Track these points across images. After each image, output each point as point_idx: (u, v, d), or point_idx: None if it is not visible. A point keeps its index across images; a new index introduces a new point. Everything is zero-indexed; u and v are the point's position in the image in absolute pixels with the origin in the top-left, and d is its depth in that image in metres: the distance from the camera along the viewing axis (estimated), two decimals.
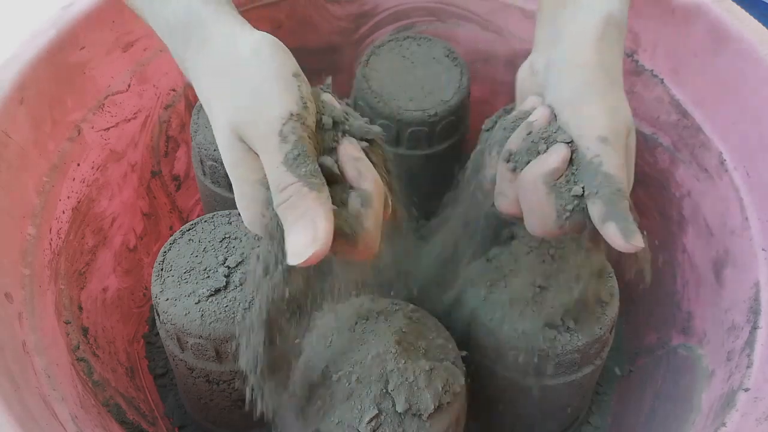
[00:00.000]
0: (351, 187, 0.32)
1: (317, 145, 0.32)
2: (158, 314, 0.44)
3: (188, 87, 0.61)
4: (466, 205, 0.47)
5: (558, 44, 0.37)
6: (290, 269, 0.31)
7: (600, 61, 0.35)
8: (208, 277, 0.44)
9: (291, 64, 0.33)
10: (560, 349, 0.42)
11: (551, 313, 0.42)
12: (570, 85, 0.35)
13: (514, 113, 0.39)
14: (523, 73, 0.41)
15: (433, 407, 0.37)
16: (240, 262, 0.44)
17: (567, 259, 0.45)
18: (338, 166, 0.32)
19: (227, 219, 0.47)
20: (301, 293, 0.33)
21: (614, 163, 0.33)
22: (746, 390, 0.39)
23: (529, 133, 0.35)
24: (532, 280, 0.44)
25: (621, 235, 0.32)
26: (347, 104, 0.36)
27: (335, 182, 0.32)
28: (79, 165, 0.50)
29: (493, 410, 0.48)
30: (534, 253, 0.45)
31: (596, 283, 0.44)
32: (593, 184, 0.32)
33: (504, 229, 0.49)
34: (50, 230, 0.47)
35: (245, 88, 0.32)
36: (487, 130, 0.54)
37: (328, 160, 0.31)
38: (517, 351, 0.42)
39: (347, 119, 0.34)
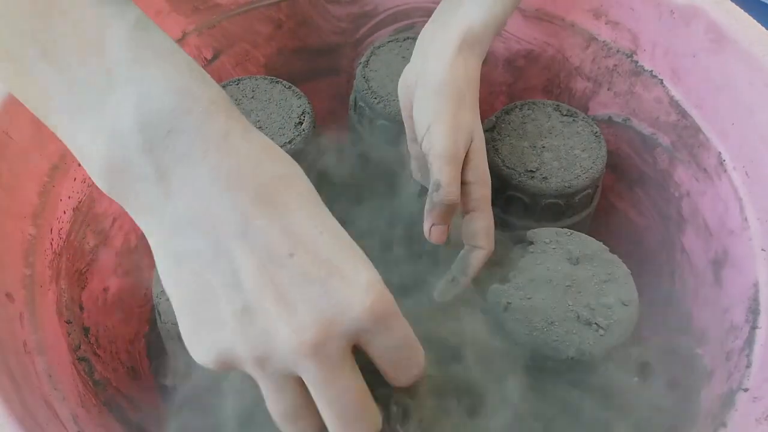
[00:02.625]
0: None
1: None
2: (159, 314, 0.44)
3: None
4: None
5: (422, 62, 0.42)
6: None
7: (452, 82, 0.40)
8: None
9: None
10: (588, 356, 0.41)
11: (583, 315, 0.42)
12: (424, 108, 0.41)
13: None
14: (402, 83, 0.45)
15: None
16: None
17: (592, 259, 0.45)
18: None
19: None
20: None
21: (446, 180, 0.39)
22: (745, 390, 0.39)
23: None
24: (559, 283, 0.43)
25: (427, 233, 0.41)
26: None
27: None
28: (80, 165, 0.50)
29: (515, 420, 0.47)
30: (556, 254, 0.45)
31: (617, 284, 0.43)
32: (432, 194, 0.40)
33: (516, 233, 0.49)
34: (51, 230, 0.47)
35: None
36: (487, 131, 0.54)
37: None
38: (544, 359, 0.41)
39: None
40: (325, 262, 0.25)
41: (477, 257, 0.42)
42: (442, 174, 0.39)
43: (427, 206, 0.41)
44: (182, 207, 0.24)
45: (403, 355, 0.26)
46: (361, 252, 0.26)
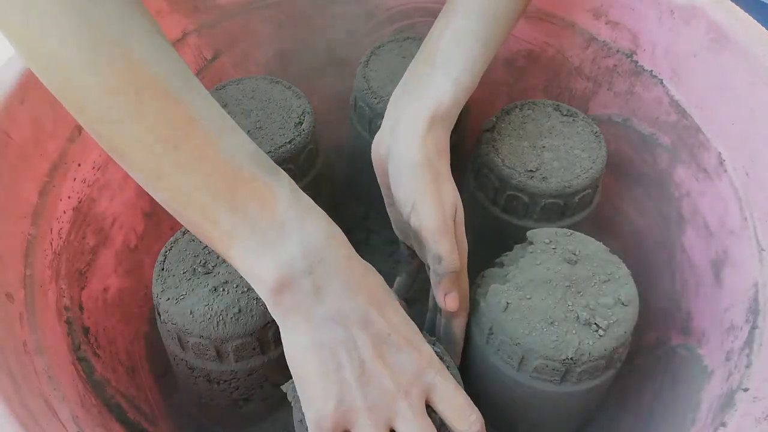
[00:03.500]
0: None
1: None
2: (159, 314, 0.44)
3: None
4: (470, 209, 0.47)
5: (393, 137, 0.44)
6: None
7: (426, 162, 0.42)
8: (210, 276, 0.44)
9: None
10: (587, 356, 0.41)
11: (582, 315, 0.42)
12: (404, 187, 0.43)
13: None
14: (375, 150, 0.46)
15: None
16: None
17: (592, 259, 0.45)
18: None
19: None
20: None
21: (445, 251, 0.42)
22: (745, 390, 0.39)
23: None
24: (559, 283, 0.43)
25: (442, 303, 0.44)
26: None
27: None
28: (80, 165, 0.50)
29: (513, 418, 0.48)
30: (556, 254, 0.45)
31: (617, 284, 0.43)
32: (436, 267, 0.43)
33: (516, 234, 0.49)
34: (51, 230, 0.47)
35: None
36: (487, 131, 0.54)
37: None
38: (543, 359, 0.41)
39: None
40: (406, 339, 0.37)
41: (458, 325, 0.46)
42: (440, 247, 0.42)
43: (433, 279, 0.44)
44: (325, 309, 0.35)
45: (459, 401, 0.37)
46: (418, 330, 0.39)
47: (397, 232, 0.50)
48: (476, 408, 0.38)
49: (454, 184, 0.44)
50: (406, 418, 0.35)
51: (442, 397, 0.37)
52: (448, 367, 0.40)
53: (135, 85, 0.32)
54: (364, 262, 0.38)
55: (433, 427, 0.36)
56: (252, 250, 0.34)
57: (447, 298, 0.43)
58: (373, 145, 0.46)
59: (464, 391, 0.38)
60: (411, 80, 0.46)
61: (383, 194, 0.48)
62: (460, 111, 0.45)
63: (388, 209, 0.49)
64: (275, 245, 0.34)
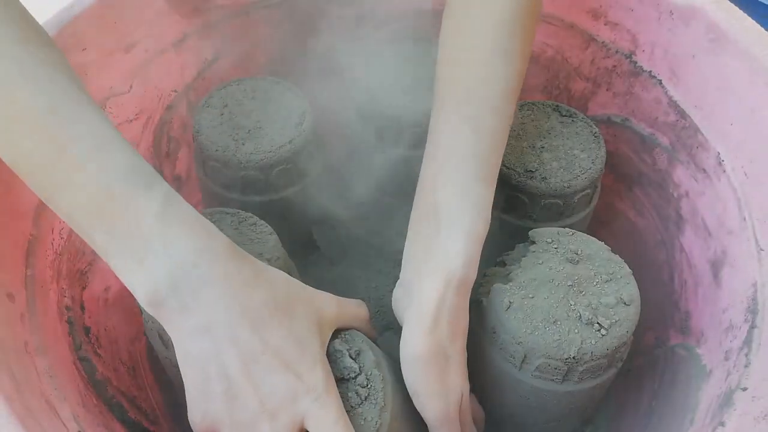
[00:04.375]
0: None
1: None
2: (141, 311, 0.44)
3: (190, 89, 0.61)
4: None
5: (407, 309, 0.41)
6: None
7: (431, 353, 0.40)
8: None
9: None
10: (590, 355, 0.41)
11: (585, 315, 0.42)
12: (407, 375, 0.40)
13: None
14: (395, 301, 0.44)
15: None
16: None
17: (594, 258, 0.45)
18: None
19: (229, 219, 0.47)
20: None
21: None
22: (744, 389, 0.39)
23: None
24: (561, 282, 0.43)
25: None
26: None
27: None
28: None
29: (514, 416, 0.48)
30: (558, 254, 0.45)
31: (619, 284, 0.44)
32: None
33: (516, 234, 0.49)
34: (52, 230, 0.47)
35: None
36: None
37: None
38: (545, 358, 0.41)
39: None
40: (284, 362, 0.36)
41: None
42: None
43: None
44: (193, 322, 0.35)
45: None
46: (319, 356, 0.37)
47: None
48: None
49: (465, 369, 0.42)
50: None
51: (318, 428, 0.35)
52: (373, 401, 0.39)
53: (4, 113, 0.34)
54: (261, 280, 0.37)
55: None
56: (124, 267, 0.35)
57: None
58: (393, 296, 0.44)
59: (350, 425, 0.36)
60: (417, 241, 0.43)
61: None
62: (472, 281, 0.41)
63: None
64: (143, 262, 0.35)
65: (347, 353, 0.40)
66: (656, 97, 0.54)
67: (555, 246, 0.45)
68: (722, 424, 0.37)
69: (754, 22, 0.47)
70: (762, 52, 0.45)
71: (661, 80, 0.54)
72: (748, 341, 0.42)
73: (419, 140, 0.56)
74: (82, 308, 0.49)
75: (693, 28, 0.50)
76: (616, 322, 0.42)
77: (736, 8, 0.48)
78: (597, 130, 0.54)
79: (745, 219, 0.46)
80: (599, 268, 0.44)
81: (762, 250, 0.44)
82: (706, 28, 0.49)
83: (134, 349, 0.55)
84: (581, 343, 0.41)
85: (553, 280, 0.43)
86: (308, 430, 0.36)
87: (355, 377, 0.39)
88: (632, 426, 0.53)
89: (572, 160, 0.52)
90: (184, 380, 0.36)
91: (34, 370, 0.39)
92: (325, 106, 0.62)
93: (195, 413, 0.36)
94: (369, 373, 0.40)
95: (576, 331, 0.41)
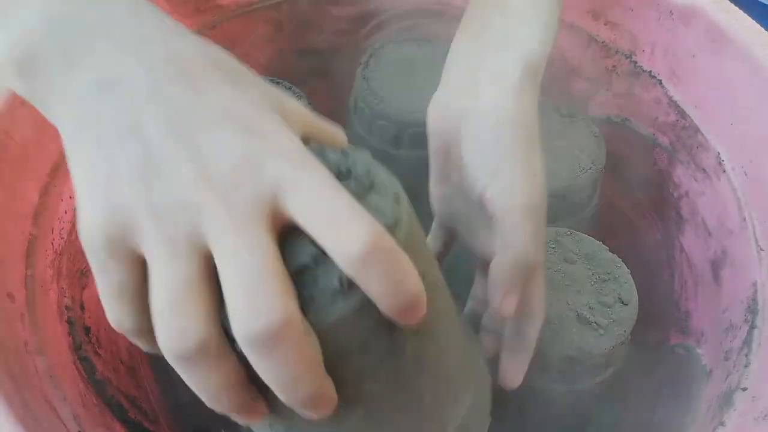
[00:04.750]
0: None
1: None
2: None
3: None
4: None
5: (474, 93, 0.34)
6: None
7: (521, 120, 0.33)
8: None
9: None
10: (587, 354, 0.41)
11: (583, 314, 0.42)
12: (485, 151, 0.33)
13: None
14: (436, 113, 0.37)
15: None
16: None
17: (592, 258, 0.45)
18: None
19: None
20: None
21: (526, 235, 0.32)
22: (744, 389, 0.39)
23: None
24: (559, 282, 0.43)
25: (498, 307, 0.34)
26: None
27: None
28: None
29: (512, 416, 0.48)
30: (556, 253, 0.45)
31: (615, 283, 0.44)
32: (504, 257, 0.33)
33: None
34: (52, 230, 0.47)
35: None
36: None
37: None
38: (543, 357, 0.41)
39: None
40: (238, 120, 0.22)
41: (534, 326, 0.35)
42: (519, 232, 0.32)
43: (494, 274, 0.33)
44: (87, 77, 0.23)
45: (330, 205, 0.21)
46: (285, 125, 0.24)
47: (439, 214, 0.39)
48: (367, 215, 0.21)
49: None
50: (219, 229, 0.21)
51: (302, 203, 0.21)
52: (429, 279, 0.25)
53: None
54: (193, 36, 0.26)
55: (268, 248, 0.21)
56: None
57: (508, 300, 0.33)
58: (429, 110, 0.37)
59: (347, 194, 0.22)
60: (481, 30, 0.36)
61: (432, 170, 0.38)
62: (542, 72, 0.36)
63: (435, 187, 0.38)
64: (9, 16, 0.24)
65: (329, 150, 0.25)
66: (656, 97, 0.54)
67: (553, 246, 0.45)
68: (722, 424, 0.37)
69: (754, 22, 0.47)
70: (762, 52, 0.45)
71: (661, 80, 0.54)
72: (748, 341, 0.42)
73: (419, 140, 0.56)
74: (82, 308, 0.49)
75: (693, 28, 0.50)
76: (614, 321, 0.42)
77: (736, 8, 0.48)
78: (597, 130, 0.54)
79: (745, 219, 0.46)
80: (597, 267, 0.44)
81: (762, 250, 0.44)
82: (706, 28, 0.49)
83: (134, 349, 0.55)
84: (578, 343, 0.41)
85: (551, 279, 0.43)
86: (288, 208, 0.21)
87: (348, 171, 0.25)
88: (632, 426, 0.53)
89: (572, 160, 0.52)
90: (73, 179, 0.23)
91: (34, 370, 0.39)
92: (324, 107, 0.62)
93: (92, 216, 0.22)
94: (368, 166, 0.25)
95: (574, 330, 0.41)
